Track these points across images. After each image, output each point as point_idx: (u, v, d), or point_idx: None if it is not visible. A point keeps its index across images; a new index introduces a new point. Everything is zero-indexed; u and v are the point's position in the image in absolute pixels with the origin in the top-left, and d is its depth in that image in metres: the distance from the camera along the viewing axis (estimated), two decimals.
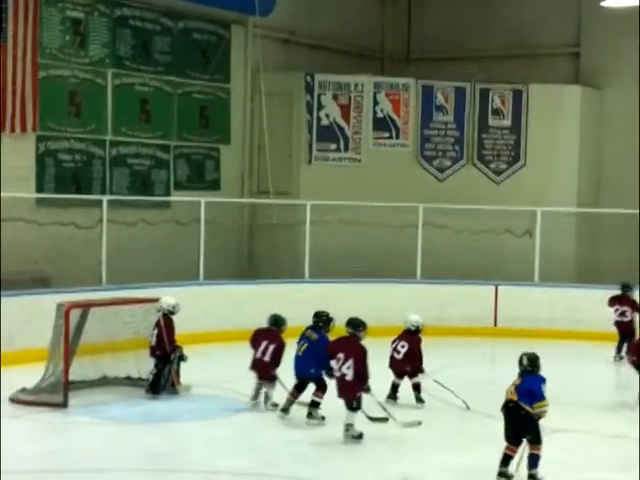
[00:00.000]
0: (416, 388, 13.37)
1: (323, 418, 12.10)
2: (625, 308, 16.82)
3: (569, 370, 15.86)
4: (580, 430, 12.04)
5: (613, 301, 16.96)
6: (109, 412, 12.53)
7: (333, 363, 11.32)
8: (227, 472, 10.04)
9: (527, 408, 9.56)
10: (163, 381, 13.45)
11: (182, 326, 13.81)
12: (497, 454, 9.82)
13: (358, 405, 11.22)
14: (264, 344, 13.01)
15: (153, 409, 12.90)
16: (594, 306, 18.58)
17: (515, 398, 9.64)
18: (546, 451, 9.82)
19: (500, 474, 9.65)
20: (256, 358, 13.02)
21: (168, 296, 13.86)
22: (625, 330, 16.66)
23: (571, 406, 13.28)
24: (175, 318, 13.65)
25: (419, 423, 11.87)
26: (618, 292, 17.06)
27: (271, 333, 13.14)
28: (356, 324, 11.55)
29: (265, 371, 12.92)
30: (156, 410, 12.85)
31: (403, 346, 13.38)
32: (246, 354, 15.37)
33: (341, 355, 11.23)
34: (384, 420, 11.82)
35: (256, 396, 12.99)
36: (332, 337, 12.15)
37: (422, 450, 11.29)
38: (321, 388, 12.14)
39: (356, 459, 10.82)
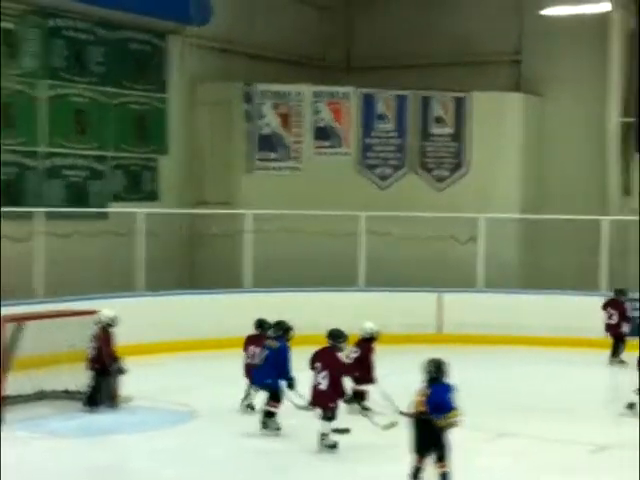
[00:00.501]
0: (361, 396, 13.15)
1: (278, 429, 11.94)
2: (613, 312, 17.19)
3: (514, 374, 15.85)
4: (525, 434, 11.98)
5: (606, 305, 17.35)
6: (47, 426, 12.31)
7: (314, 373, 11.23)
8: None
9: (437, 421, 9.16)
10: (101, 395, 13.20)
11: (122, 338, 13.56)
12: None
13: (332, 415, 11.09)
14: (252, 349, 13.01)
15: (92, 422, 12.69)
16: (537, 311, 18.73)
17: (425, 409, 9.24)
18: (493, 456, 9.73)
19: None
20: (246, 363, 13.05)
21: (107, 308, 13.64)
22: (614, 334, 17.08)
23: (517, 411, 13.25)
24: (114, 330, 13.42)
25: (348, 430, 11.62)
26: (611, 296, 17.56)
27: (259, 338, 13.03)
28: (336, 335, 11.48)
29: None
30: (95, 423, 12.65)
31: (355, 352, 13.20)
32: (187, 364, 15.25)
33: (318, 365, 11.18)
34: (346, 431, 11.63)
35: (246, 397, 12.97)
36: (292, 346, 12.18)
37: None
38: (276, 398, 12.02)
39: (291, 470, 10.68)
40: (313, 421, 11.41)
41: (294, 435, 11.87)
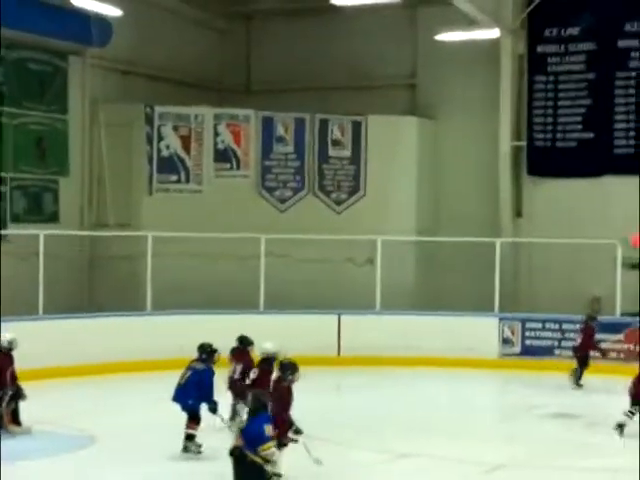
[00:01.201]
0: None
1: (200, 446, 11.98)
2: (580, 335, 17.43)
3: (412, 395, 16.13)
4: (423, 454, 12.23)
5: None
6: None
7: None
8: None
9: (252, 456, 8.70)
10: None
11: (20, 362, 13.41)
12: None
13: (283, 444, 10.74)
14: (233, 365, 13.28)
15: None
16: (433, 332, 19.05)
17: (240, 444, 8.80)
18: (393, 477, 9.93)
19: None
20: (230, 377, 13.26)
21: (5, 331, 13.50)
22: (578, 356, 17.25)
23: (415, 431, 13.52)
24: (14, 354, 13.30)
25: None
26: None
27: (240, 354, 13.46)
28: (285, 367, 11.25)
29: (239, 389, 13.04)
30: None
31: (254, 372, 13.19)
32: (86, 389, 15.06)
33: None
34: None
35: (234, 416, 12.98)
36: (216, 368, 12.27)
37: None
38: (196, 420, 12.06)
39: None
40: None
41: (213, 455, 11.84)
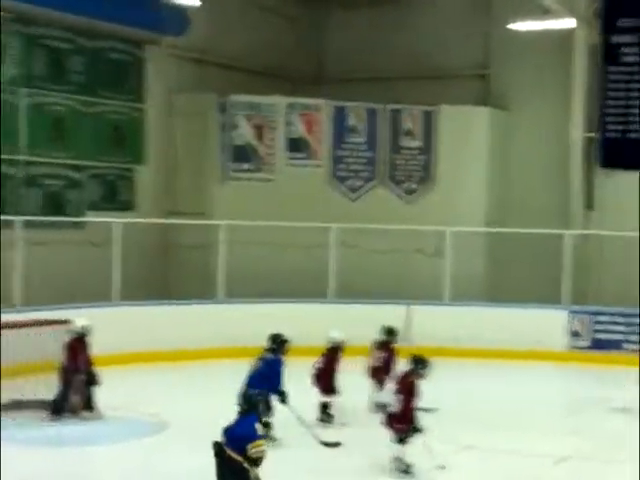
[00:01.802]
0: (322, 407, 13.52)
1: (274, 440, 12.05)
2: None
3: (479, 387, 16.16)
4: (491, 447, 12.34)
5: None
6: (19, 435, 12.45)
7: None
8: None
9: (232, 454, 8.60)
10: (62, 403, 13.39)
11: (95, 348, 13.74)
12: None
13: (404, 439, 11.02)
14: (375, 354, 13.73)
15: (65, 432, 12.83)
16: (501, 324, 19.04)
17: (224, 440, 8.73)
18: (460, 468, 10.01)
19: None
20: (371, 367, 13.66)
21: (80, 318, 13.81)
22: None
23: (479, 423, 13.59)
24: (88, 340, 13.62)
25: (339, 444, 12.13)
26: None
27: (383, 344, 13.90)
28: (417, 361, 11.28)
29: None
30: (68, 433, 12.79)
31: (319, 362, 13.59)
32: (159, 375, 15.30)
33: (393, 387, 11.22)
34: (337, 445, 12.09)
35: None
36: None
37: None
38: (267, 409, 12.15)
39: None
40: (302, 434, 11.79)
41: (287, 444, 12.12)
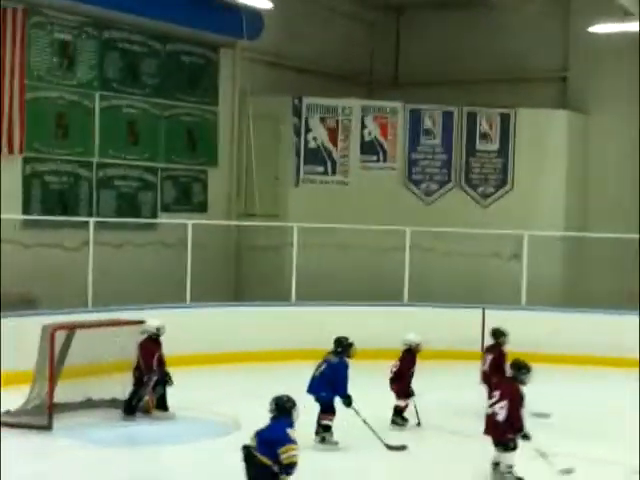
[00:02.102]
0: (395, 410, 13.37)
1: (336, 443, 12.08)
2: None
3: (557, 392, 15.88)
4: (571, 454, 11.89)
5: None
6: (93, 435, 12.49)
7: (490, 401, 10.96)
8: None
9: (262, 458, 8.41)
10: (135, 403, 13.42)
11: (168, 349, 13.75)
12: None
13: (514, 446, 10.79)
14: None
15: (137, 432, 12.89)
16: (580, 329, 18.71)
17: (254, 444, 8.55)
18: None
19: None
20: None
21: (153, 318, 13.85)
22: None
23: (557, 429, 13.32)
24: (162, 340, 13.63)
25: (405, 447, 11.95)
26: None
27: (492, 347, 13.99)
28: (519, 367, 11.16)
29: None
30: (140, 433, 12.84)
31: (395, 365, 13.45)
32: (231, 377, 15.28)
33: (497, 393, 10.90)
34: (402, 448, 11.97)
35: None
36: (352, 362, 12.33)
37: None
38: (331, 412, 12.14)
39: None
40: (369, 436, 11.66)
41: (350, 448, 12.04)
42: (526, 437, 10.74)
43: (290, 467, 8.40)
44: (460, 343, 18.53)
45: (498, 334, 14.34)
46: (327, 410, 12.13)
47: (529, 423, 10.97)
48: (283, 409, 8.78)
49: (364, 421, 12.00)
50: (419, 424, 13.32)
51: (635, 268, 19.56)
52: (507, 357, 13.53)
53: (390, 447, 11.97)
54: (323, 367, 12.25)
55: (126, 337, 13.72)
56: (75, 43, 18.72)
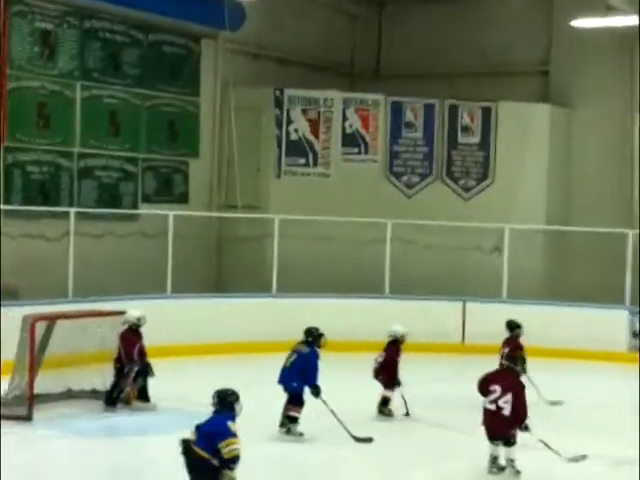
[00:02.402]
0: (382, 401, 13.40)
1: (301, 434, 12.09)
2: None
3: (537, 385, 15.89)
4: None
5: None
6: (73, 426, 12.46)
7: (490, 396, 10.79)
8: None
9: (200, 452, 8.30)
10: (116, 394, 13.37)
11: (148, 339, 13.69)
12: (465, 469, 9.95)
13: (515, 440, 10.78)
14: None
15: (117, 423, 12.86)
16: (560, 323, 18.76)
17: (194, 438, 8.41)
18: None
19: None
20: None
21: (134, 309, 13.80)
22: None
23: (540, 422, 13.31)
24: (142, 330, 13.59)
25: (371, 440, 11.98)
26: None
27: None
28: (516, 357, 11.28)
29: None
30: (121, 424, 12.81)
31: (381, 356, 13.49)
32: (212, 368, 15.25)
33: (497, 387, 10.74)
34: (369, 440, 11.94)
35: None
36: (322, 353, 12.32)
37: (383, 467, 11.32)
38: (299, 403, 12.13)
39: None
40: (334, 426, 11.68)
41: (316, 439, 12.05)
42: (526, 428, 10.76)
43: (232, 461, 8.28)
44: (441, 335, 18.61)
45: (513, 326, 14.61)
46: (295, 401, 12.14)
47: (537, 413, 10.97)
48: (225, 403, 8.68)
49: (332, 412, 11.98)
50: (407, 414, 13.33)
51: (617, 262, 19.55)
52: (524, 349, 13.78)
53: (357, 439, 11.96)
54: (293, 357, 12.28)
55: (107, 328, 13.68)
56: (56, 32, 18.60)
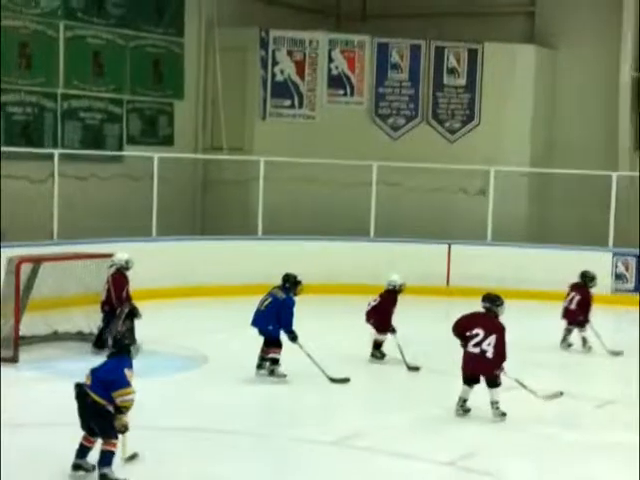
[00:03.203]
0: (375, 344, 13.47)
1: (285, 375, 12.13)
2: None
3: (519, 328, 15.92)
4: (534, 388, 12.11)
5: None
6: (58, 367, 12.49)
7: (473, 340, 10.78)
8: (174, 428, 10.06)
9: (96, 397, 8.19)
10: (107, 336, 13.22)
11: (133, 282, 13.68)
12: (443, 411, 10.24)
13: (500, 381, 10.82)
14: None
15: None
16: (544, 265, 18.83)
17: (89, 383, 8.30)
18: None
19: (75, 466, 8.46)
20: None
21: (121, 251, 13.76)
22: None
23: (522, 364, 13.40)
24: (129, 272, 13.58)
25: (347, 380, 12.12)
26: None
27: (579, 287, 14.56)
28: (493, 299, 11.19)
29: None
30: None
31: (375, 300, 13.53)
32: (197, 310, 15.26)
33: (479, 331, 10.76)
34: (345, 381, 12.04)
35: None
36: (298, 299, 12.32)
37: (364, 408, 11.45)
38: (278, 345, 12.18)
39: (296, 419, 10.98)
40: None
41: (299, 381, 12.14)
42: (502, 369, 10.80)
43: (124, 409, 8.26)
44: (426, 278, 18.64)
45: (590, 277, 15.02)
46: (273, 344, 12.20)
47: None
48: (121, 346, 8.60)
49: (308, 355, 12.06)
50: (409, 368, 13.26)
51: (603, 205, 19.60)
52: (591, 298, 14.49)
53: (333, 380, 12.07)
54: (268, 301, 12.28)
55: (91, 270, 13.69)
56: None
